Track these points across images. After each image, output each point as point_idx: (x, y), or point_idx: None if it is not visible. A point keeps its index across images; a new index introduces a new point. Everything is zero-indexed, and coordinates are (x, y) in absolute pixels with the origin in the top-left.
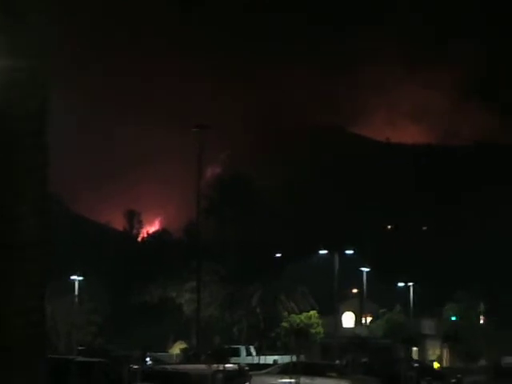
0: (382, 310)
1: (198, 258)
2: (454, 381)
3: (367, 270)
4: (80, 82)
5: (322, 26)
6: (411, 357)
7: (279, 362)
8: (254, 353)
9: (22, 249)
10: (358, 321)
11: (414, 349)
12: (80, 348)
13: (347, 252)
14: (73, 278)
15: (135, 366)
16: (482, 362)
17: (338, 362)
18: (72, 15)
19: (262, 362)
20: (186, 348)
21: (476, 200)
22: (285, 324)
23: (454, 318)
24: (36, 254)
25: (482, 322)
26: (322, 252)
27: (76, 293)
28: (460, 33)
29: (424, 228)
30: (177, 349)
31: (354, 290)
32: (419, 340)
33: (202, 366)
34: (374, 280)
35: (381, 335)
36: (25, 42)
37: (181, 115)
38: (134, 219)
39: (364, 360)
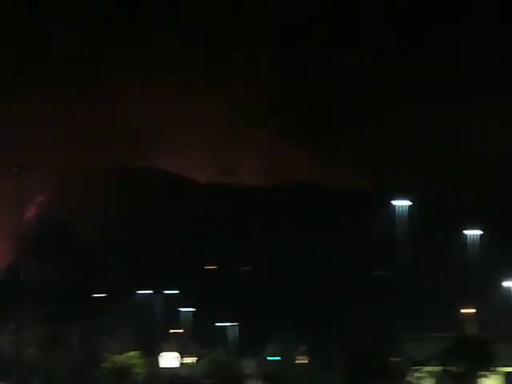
0: (204, 350)
1: (17, 299)
2: None
3: (190, 309)
4: None
5: None
6: None
7: None
8: None
9: None
10: (180, 361)
11: None
12: None
13: (169, 292)
14: None
15: None
16: None
17: None
18: None
19: None
20: None
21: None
22: (106, 364)
23: (271, 358)
24: None
25: (305, 361)
26: (144, 292)
27: None
28: None
29: (246, 268)
30: None
31: (177, 330)
32: (241, 380)
33: None
34: (196, 320)
35: (202, 375)
36: None
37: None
38: None
39: None
